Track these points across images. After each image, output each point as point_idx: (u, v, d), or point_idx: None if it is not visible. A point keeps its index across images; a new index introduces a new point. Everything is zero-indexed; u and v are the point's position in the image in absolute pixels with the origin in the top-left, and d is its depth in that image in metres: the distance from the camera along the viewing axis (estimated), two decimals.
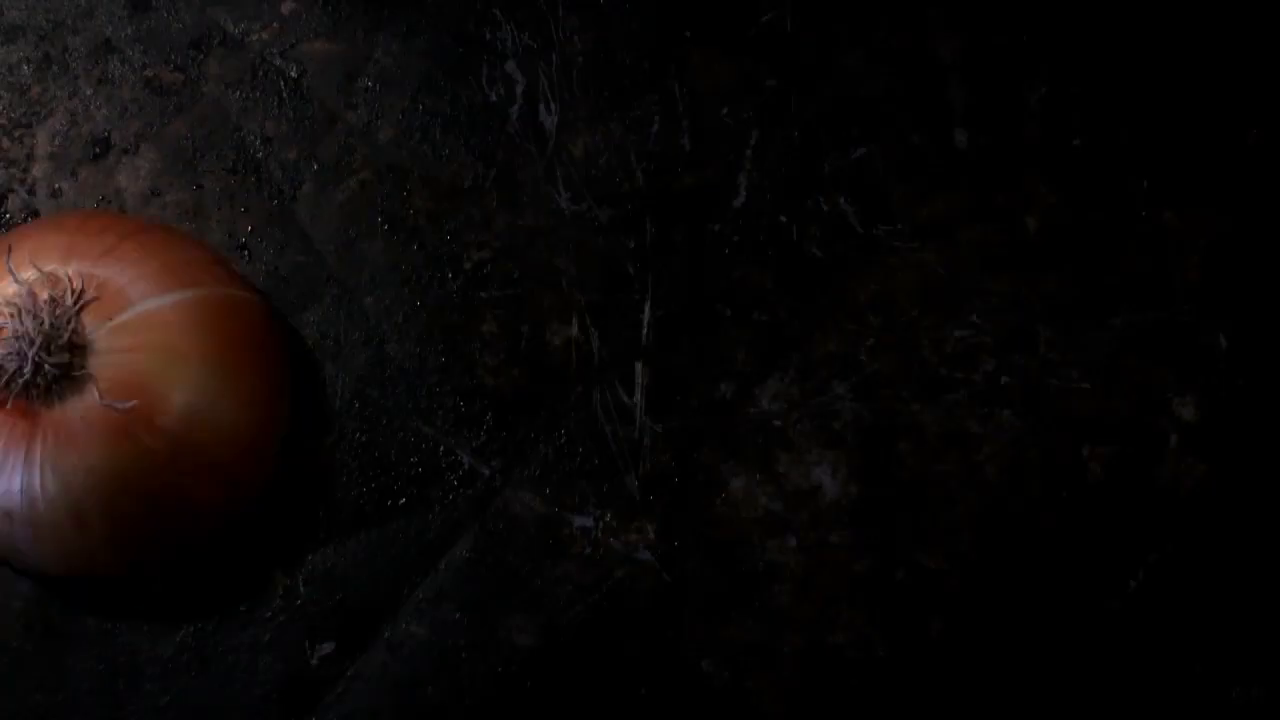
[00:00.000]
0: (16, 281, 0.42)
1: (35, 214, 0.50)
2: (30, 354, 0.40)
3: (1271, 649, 0.46)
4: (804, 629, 0.46)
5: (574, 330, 0.49)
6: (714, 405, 0.48)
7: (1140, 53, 0.51)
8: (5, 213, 0.50)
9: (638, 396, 0.48)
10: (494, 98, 0.51)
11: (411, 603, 0.46)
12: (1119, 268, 0.49)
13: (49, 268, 0.42)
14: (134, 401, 0.41)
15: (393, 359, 0.49)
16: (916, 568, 0.46)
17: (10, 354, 0.41)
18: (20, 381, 0.41)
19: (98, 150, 0.51)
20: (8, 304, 0.41)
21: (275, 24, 0.52)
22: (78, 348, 0.41)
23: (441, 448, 0.48)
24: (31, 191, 0.50)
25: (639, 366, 0.49)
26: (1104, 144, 0.50)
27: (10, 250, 0.43)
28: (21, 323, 0.41)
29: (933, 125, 0.50)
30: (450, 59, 0.52)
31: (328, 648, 0.46)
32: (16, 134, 0.51)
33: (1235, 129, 0.50)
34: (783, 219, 0.50)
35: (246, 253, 0.49)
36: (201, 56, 0.52)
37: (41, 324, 0.41)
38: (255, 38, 0.52)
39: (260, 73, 0.52)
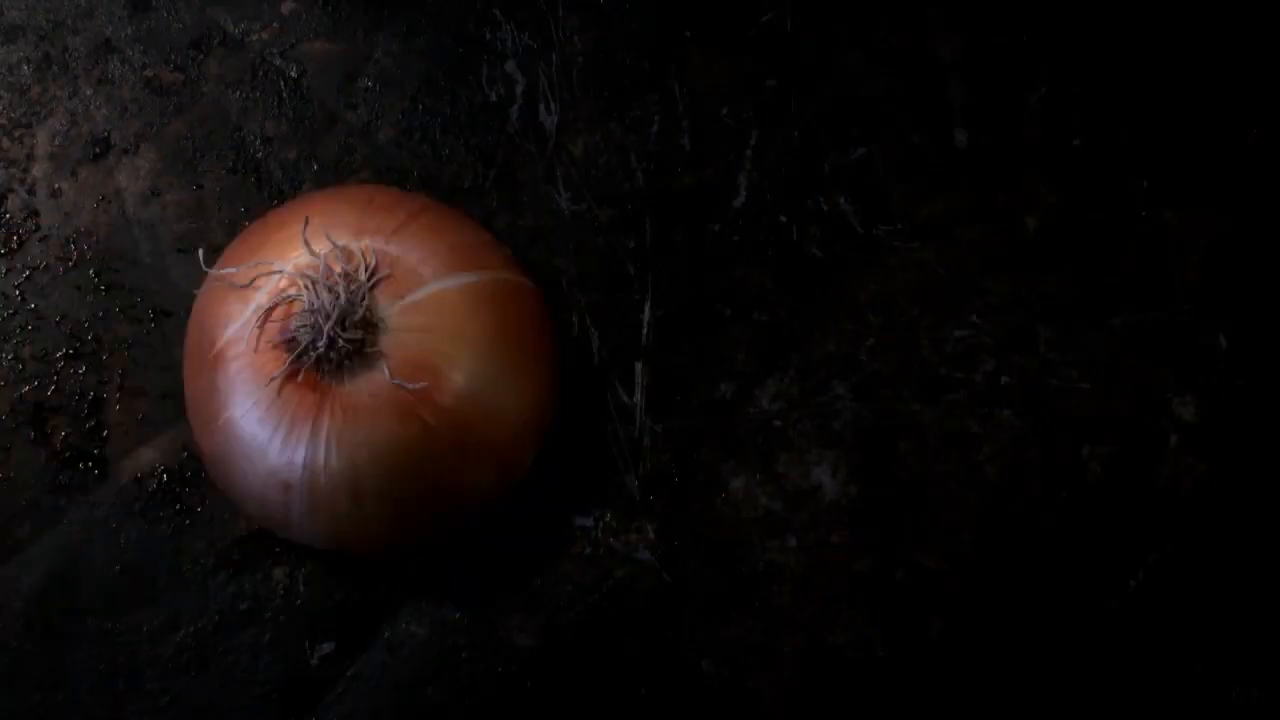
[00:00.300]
0: (312, 254, 0.42)
1: (35, 214, 0.50)
2: (325, 328, 0.40)
3: (1271, 649, 0.46)
4: (804, 629, 0.46)
5: (574, 330, 0.49)
6: (714, 405, 0.48)
7: (1140, 53, 0.51)
8: (5, 213, 0.50)
9: (638, 396, 0.48)
10: (494, 98, 0.51)
11: (411, 603, 0.46)
12: (1119, 268, 0.49)
13: (341, 242, 0.42)
14: (425, 383, 0.41)
15: None
16: (916, 568, 0.46)
17: (305, 327, 0.41)
18: (313, 355, 0.41)
19: (98, 150, 0.51)
20: (303, 276, 0.41)
21: (275, 24, 0.52)
22: (370, 325, 0.41)
23: None
24: (31, 191, 0.50)
25: (639, 366, 0.49)
26: (1104, 144, 0.50)
27: (306, 223, 0.42)
28: (317, 296, 0.41)
29: (933, 125, 0.51)
30: (450, 59, 0.52)
31: (328, 648, 0.46)
32: (16, 134, 0.51)
33: (1235, 129, 0.50)
34: (783, 219, 0.50)
35: None
36: (201, 56, 0.52)
37: (337, 298, 0.41)
38: (255, 38, 0.52)
39: (260, 73, 0.52)
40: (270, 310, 0.41)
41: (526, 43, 0.52)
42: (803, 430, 0.48)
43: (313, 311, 0.41)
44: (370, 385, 0.41)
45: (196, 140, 0.51)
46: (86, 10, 0.52)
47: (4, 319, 0.49)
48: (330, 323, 0.40)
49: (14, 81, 0.51)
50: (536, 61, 0.52)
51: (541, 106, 0.51)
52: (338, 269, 0.41)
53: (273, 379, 0.41)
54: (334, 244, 0.42)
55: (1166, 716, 0.45)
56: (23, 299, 0.49)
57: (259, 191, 0.50)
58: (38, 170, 0.50)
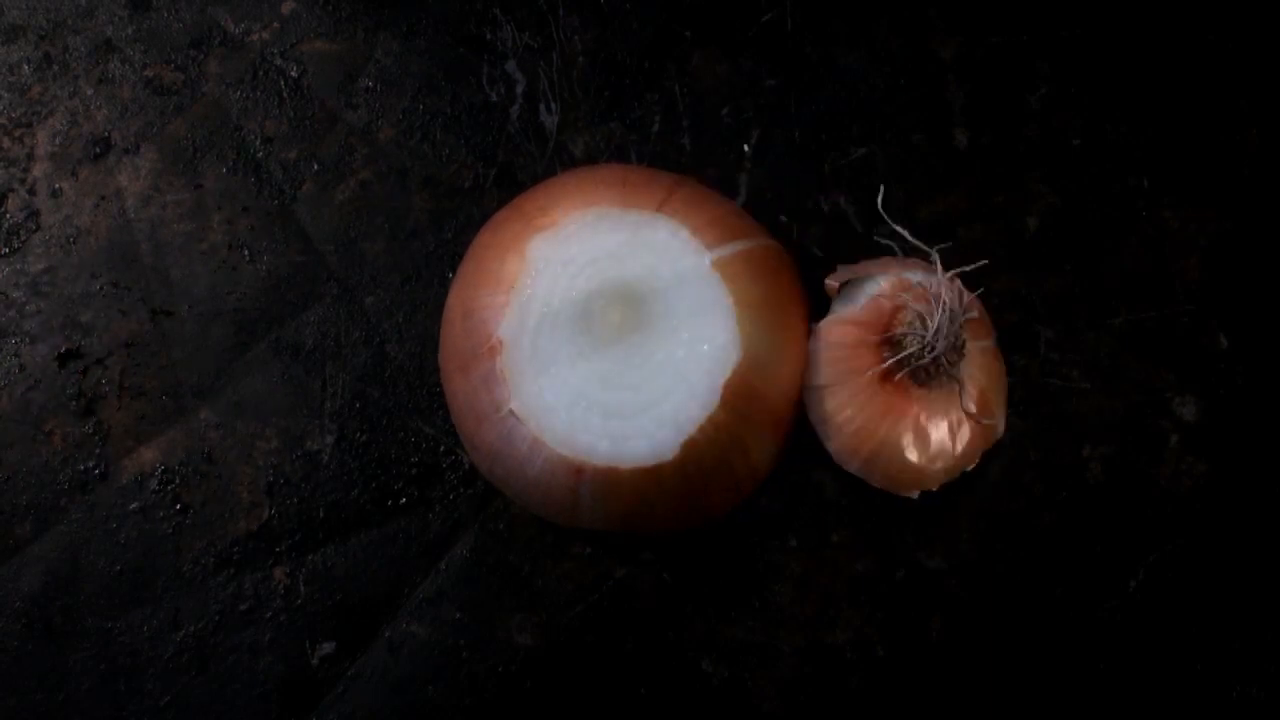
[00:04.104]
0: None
1: (35, 214, 0.50)
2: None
3: (1271, 649, 0.46)
4: (803, 628, 0.46)
5: None
6: None
7: (1140, 53, 0.51)
8: (5, 213, 0.50)
9: None
10: (494, 98, 0.51)
11: (411, 603, 0.46)
12: (1119, 268, 0.49)
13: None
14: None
15: (393, 359, 0.49)
16: (916, 568, 0.46)
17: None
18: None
19: (98, 150, 0.51)
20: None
21: (275, 24, 0.52)
22: None
23: (441, 447, 0.48)
24: (32, 191, 0.50)
25: None
26: (1104, 144, 0.50)
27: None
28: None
29: (933, 125, 0.51)
30: (450, 59, 0.52)
31: (328, 648, 0.46)
32: (16, 134, 0.51)
33: (1235, 129, 0.50)
34: (783, 219, 0.50)
35: (246, 252, 0.49)
36: (201, 56, 0.52)
37: None
38: (255, 38, 0.52)
39: (260, 73, 0.52)
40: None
41: (526, 43, 0.52)
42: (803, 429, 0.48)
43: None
44: None
45: (196, 140, 0.51)
46: (86, 10, 0.52)
47: (4, 319, 0.49)
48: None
49: (14, 81, 0.51)
50: (536, 61, 0.52)
51: (541, 106, 0.51)
52: None
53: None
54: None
55: (1166, 716, 0.45)
56: (23, 299, 0.49)
57: (259, 191, 0.50)
58: (38, 170, 0.50)
